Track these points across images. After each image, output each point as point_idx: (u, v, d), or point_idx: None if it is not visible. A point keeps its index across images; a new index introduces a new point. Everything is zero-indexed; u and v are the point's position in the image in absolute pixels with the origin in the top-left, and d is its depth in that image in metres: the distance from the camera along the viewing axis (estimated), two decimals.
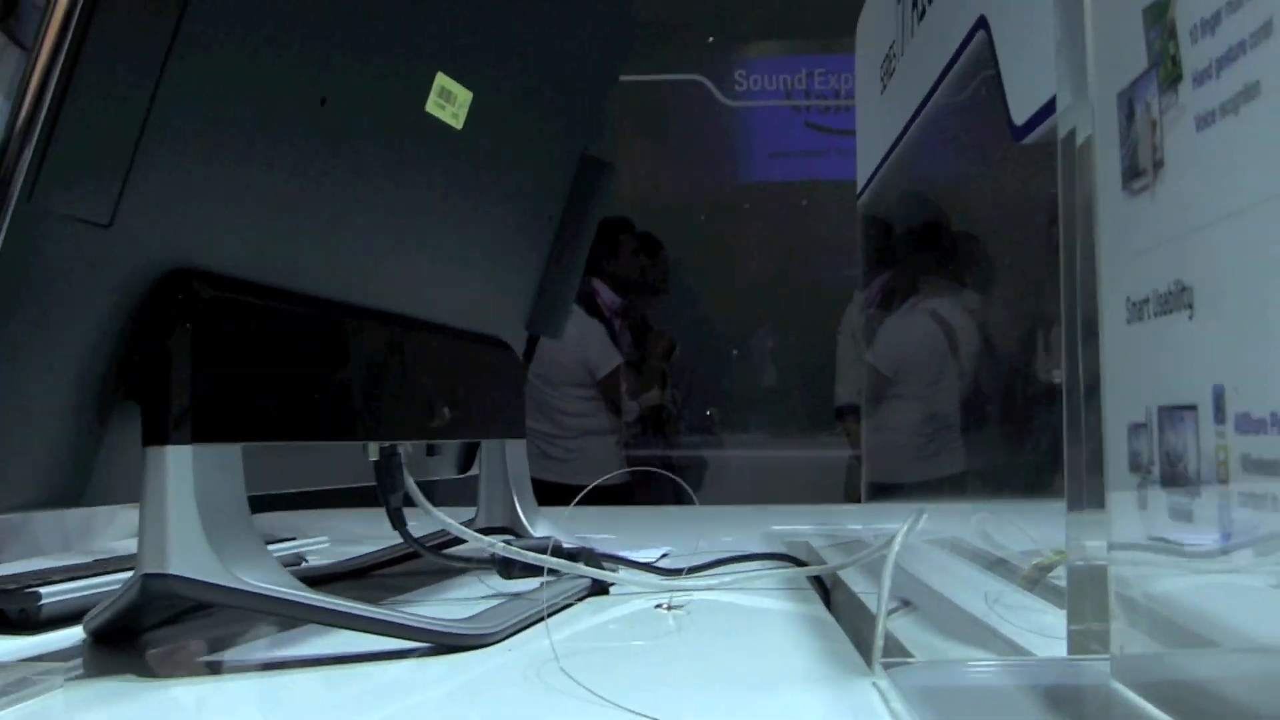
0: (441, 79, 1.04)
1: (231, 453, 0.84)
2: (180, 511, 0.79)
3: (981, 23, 0.98)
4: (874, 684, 0.74)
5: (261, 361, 0.88)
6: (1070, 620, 0.74)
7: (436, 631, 0.87)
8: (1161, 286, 0.61)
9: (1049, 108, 0.81)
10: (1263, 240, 0.50)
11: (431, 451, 1.18)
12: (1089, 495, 0.72)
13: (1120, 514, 0.66)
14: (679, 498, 3.80)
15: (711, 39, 7.66)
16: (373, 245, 1.05)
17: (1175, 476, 0.59)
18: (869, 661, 0.79)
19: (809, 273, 7.41)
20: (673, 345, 5.53)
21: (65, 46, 0.69)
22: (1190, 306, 0.57)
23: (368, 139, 0.98)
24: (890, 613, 0.92)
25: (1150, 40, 0.62)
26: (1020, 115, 0.89)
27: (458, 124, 1.08)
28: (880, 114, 1.51)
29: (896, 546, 0.91)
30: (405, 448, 1.07)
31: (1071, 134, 0.74)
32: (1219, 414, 0.54)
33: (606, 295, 5.29)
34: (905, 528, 0.95)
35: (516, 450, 1.35)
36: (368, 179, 1.00)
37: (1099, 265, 0.70)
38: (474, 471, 1.38)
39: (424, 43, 1.02)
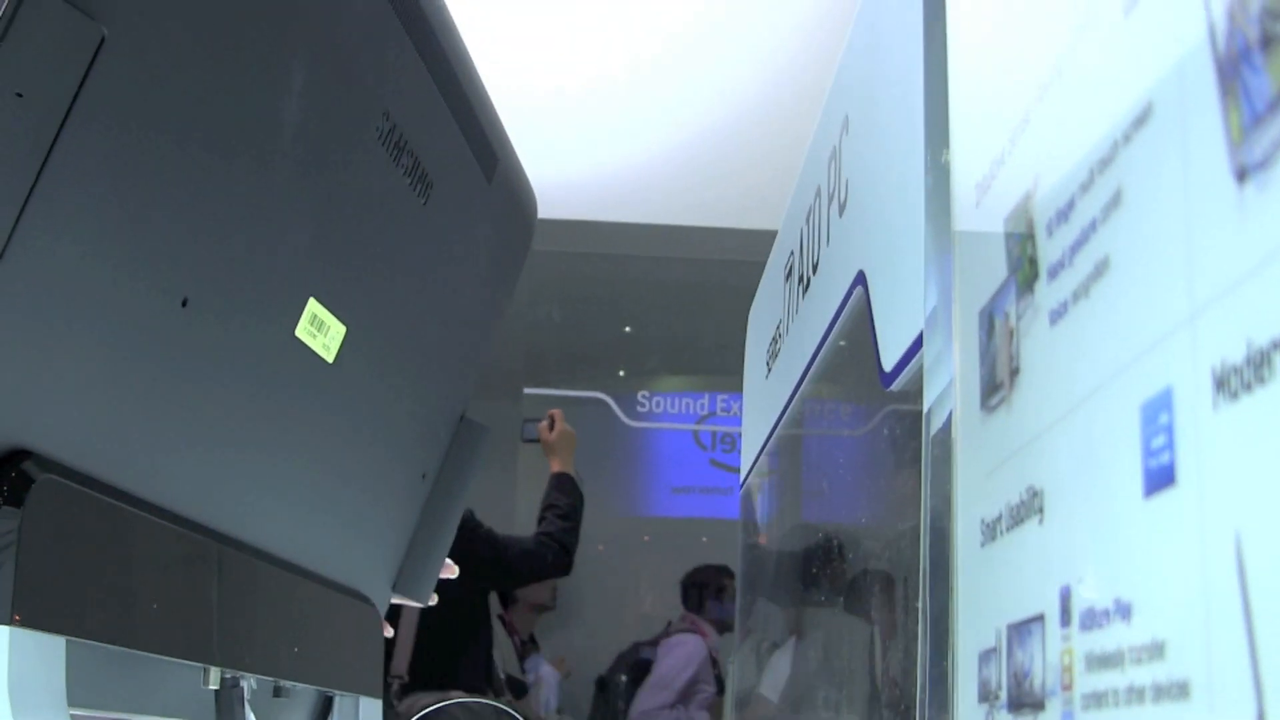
0: (314, 305, 1.03)
1: (54, 644, 0.80)
2: None
3: (859, 279, 0.98)
4: None
5: (96, 557, 0.84)
6: None
7: None
8: (1014, 498, 0.59)
9: (916, 346, 0.80)
10: (1102, 426, 0.49)
11: (278, 693, 1.13)
12: None
13: None
14: None
15: (622, 372, 7.76)
16: (231, 468, 1.02)
17: (1021, 695, 0.57)
18: None
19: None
20: None
21: None
22: (1041, 510, 0.56)
23: (231, 352, 0.96)
24: None
25: (1010, 249, 0.62)
26: (889, 360, 0.88)
27: (329, 356, 1.07)
28: (764, 395, 1.51)
29: None
30: (249, 682, 1.02)
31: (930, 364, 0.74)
32: (1065, 616, 0.52)
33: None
34: None
35: (371, 709, 1.31)
36: (230, 395, 0.98)
37: (954, 493, 0.69)
38: None
39: (297, 261, 1.01)
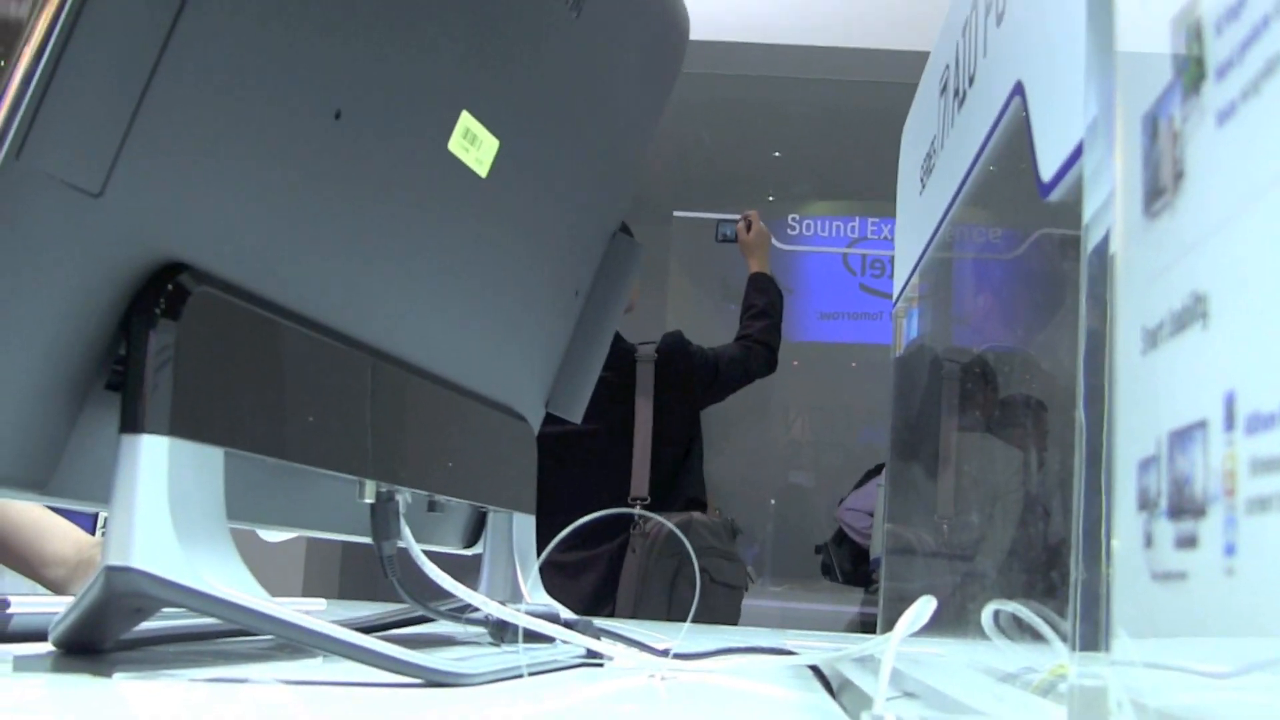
0: (466, 119, 1.02)
1: (212, 456, 0.81)
2: (150, 505, 0.76)
3: (1018, 89, 0.96)
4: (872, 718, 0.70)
5: (252, 369, 0.86)
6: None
7: (408, 663, 0.83)
8: (1177, 304, 0.58)
9: (1075, 154, 0.78)
10: (1271, 227, 0.48)
11: (433, 507, 1.15)
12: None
13: (1123, 607, 0.63)
14: None
15: (771, 197, 7.72)
16: (384, 280, 1.03)
17: (1182, 503, 0.56)
18: None
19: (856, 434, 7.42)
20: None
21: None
22: (1205, 315, 0.55)
23: (384, 165, 0.97)
24: (890, 699, 0.88)
25: (1176, 50, 0.60)
26: (1048, 170, 0.86)
27: (482, 171, 1.07)
28: (918, 213, 1.49)
29: (902, 629, 0.88)
30: (404, 497, 1.04)
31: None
32: (1229, 421, 0.51)
33: None
34: (914, 610, 0.92)
35: (524, 525, 1.32)
36: (383, 209, 0.98)
37: (1115, 299, 0.68)
38: (479, 550, 1.35)
39: (450, 75, 1.01)
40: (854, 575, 5.86)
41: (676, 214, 7.42)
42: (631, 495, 4.04)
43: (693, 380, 4.27)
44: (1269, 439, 0.47)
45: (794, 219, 7.58)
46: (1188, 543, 0.55)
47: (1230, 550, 0.50)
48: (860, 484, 5.95)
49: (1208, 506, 0.53)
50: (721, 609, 3.93)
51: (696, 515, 4.02)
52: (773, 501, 7.42)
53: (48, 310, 0.73)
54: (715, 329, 6.63)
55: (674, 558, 3.83)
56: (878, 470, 5.99)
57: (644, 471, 4.10)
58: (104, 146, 0.72)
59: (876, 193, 6.69)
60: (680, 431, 4.24)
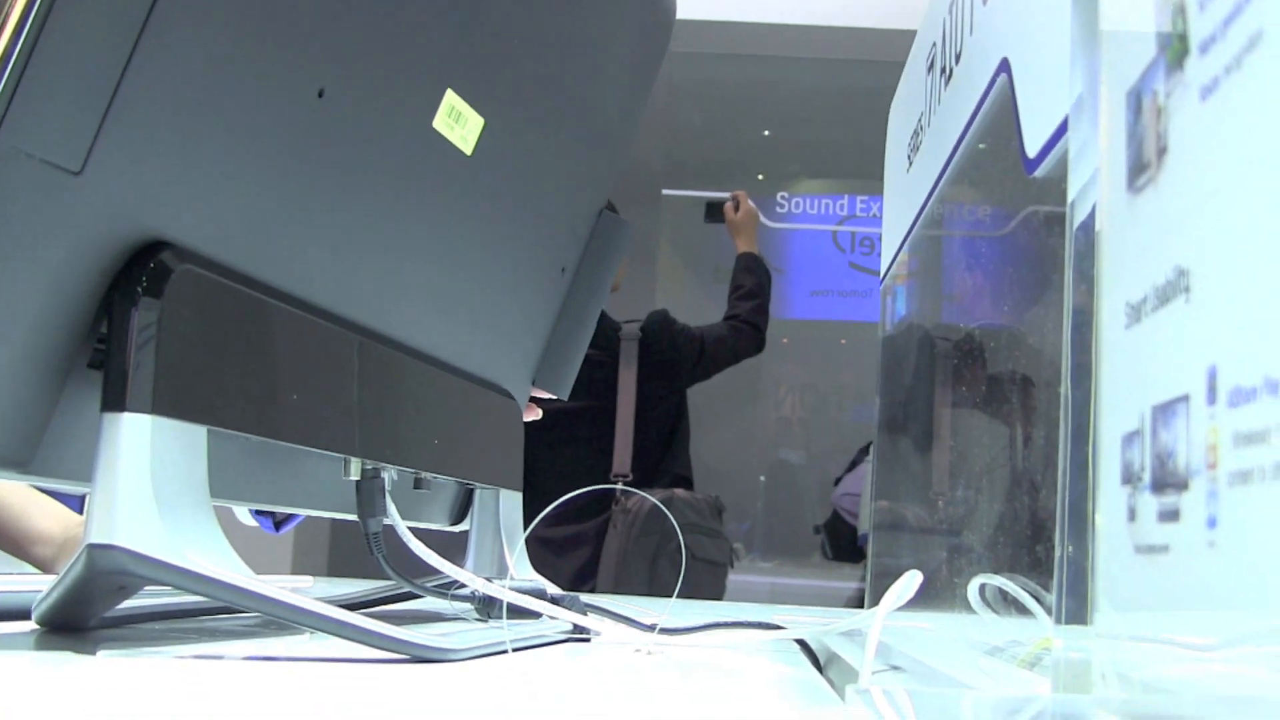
0: (451, 97, 1.02)
1: (195, 434, 0.81)
2: (133, 483, 0.76)
3: (1003, 66, 0.96)
4: (857, 691, 0.70)
5: (235, 347, 0.86)
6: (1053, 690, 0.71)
7: (393, 639, 0.83)
8: (1161, 279, 0.58)
9: (1061, 130, 0.78)
10: (1255, 201, 0.48)
11: (419, 484, 1.15)
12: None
13: (1108, 580, 0.63)
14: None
15: (761, 175, 7.71)
16: (370, 260, 1.02)
17: (1165, 476, 0.56)
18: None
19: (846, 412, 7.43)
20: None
21: None
22: (1187, 290, 0.55)
23: (368, 143, 0.96)
24: (876, 673, 0.88)
25: (1160, 26, 0.60)
26: (1033, 146, 0.86)
27: (467, 149, 1.06)
28: (905, 190, 1.49)
29: (888, 603, 0.88)
30: (390, 474, 1.04)
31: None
32: (1211, 395, 0.51)
33: None
34: (900, 585, 0.92)
35: (511, 501, 1.32)
36: (367, 187, 0.98)
37: (1100, 274, 0.68)
38: (466, 526, 1.35)
39: (435, 52, 1.00)
40: (850, 554, 5.87)
41: (665, 192, 7.42)
42: (614, 472, 4.05)
43: (678, 358, 4.28)
44: (1250, 412, 0.47)
45: (783, 197, 7.57)
46: (1170, 516, 0.55)
47: (1212, 523, 0.51)
48: (853, 466, 5.95)
49: (1190, 480, 0.53)
50: (705, 585, 3.94)
51: (679, 492, 4.04)
52: (762, 478, 7.42)
53: (28, 289, 0.73)
54: (704, 307, 6.63)
55: (655, 535, 3.85)
56: (868, 449, 5.99)
57: (626, 448, 4.11)
58: (83, 124, 0.71)
59: (866, 171, 6.69)
60: (664, 409, 4.26)
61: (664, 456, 4.24)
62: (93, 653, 0.78)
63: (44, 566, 1.67)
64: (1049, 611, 0.73)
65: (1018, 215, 1.00)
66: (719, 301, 4.76)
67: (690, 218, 6.60)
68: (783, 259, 7.55)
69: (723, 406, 7.04)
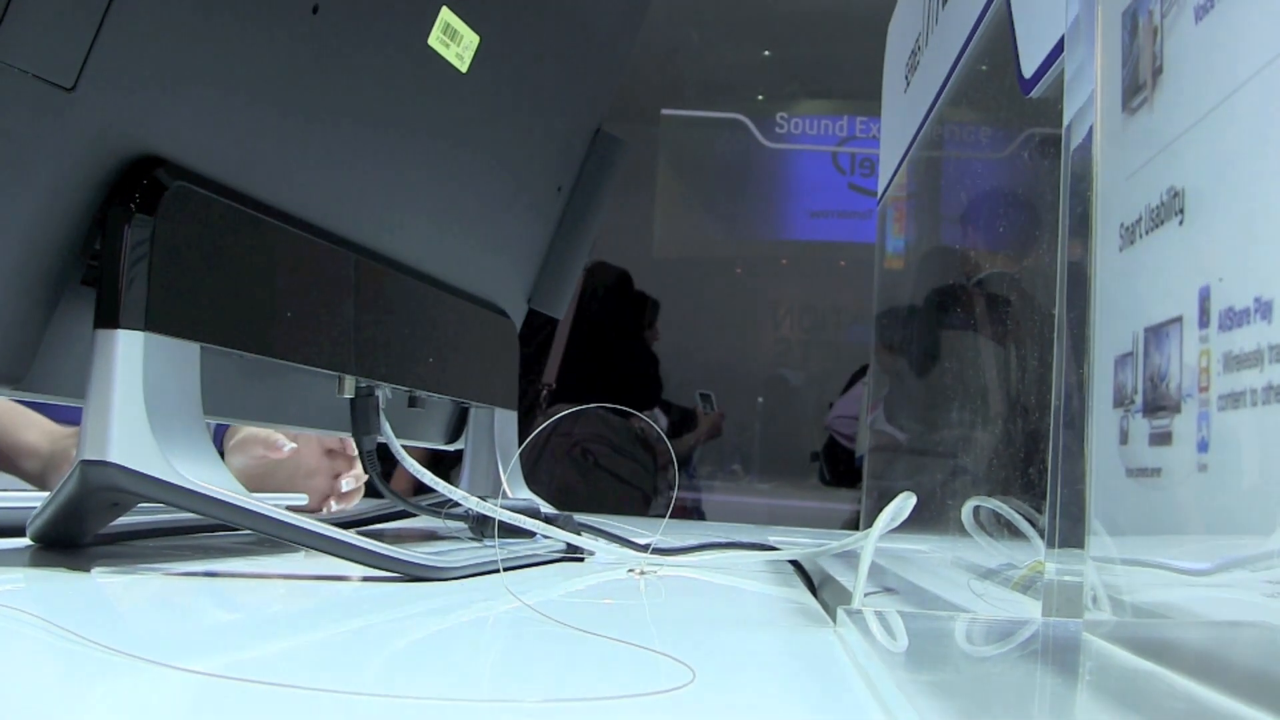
0: (446, 14, 1.01)
1: (188, 351, 0.81)
2: (126, 400, 0.76)
3: None
4: (849, 613, 0.70)
5: (229, 264, 0.85)
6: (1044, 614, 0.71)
7: (386, 556, 0.83)
8: (1154, 200, 0.58)
9: (1056, 50, 0.78)
10: (1248, 121, 0.48)
11: (414, 403, 1.15)
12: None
13: (1100, 504, 0.63)
14: None
15: (760, 96, 7.68)
16: (365, 178, 1.02)
17: (1157, 399, 0.56)
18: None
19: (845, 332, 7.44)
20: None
21: None
22: (1181, 211, 0.55)
23: (363, 59, 0.95)
24: (868, 595, 0.88)
25: None
26: (1029, 67, 0.86)
27: (462, 66, 1.06)
28: (903, 110, 1.48)
29: (881, 525, 0.88)
30: (384, 392, 1.04)
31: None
32: (1203, 317, 0.51)
33: None
34: (893, 507, 0.92)
35: (506, 421, 1.32)
36: (361, 104, 0.97)
37: (1096, 195, 0.67)
38: (461, 445, 1.35)
39: None
40: (849, 479, 5.89)
41: (665, 111, 7.39)
42: (542, 380, 4.18)
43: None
44: (1242, 335, 0.47)
45: (783, 118, 7.54)
46: (1162, 439, 0.55)
47: (1203, 446, 0.50)
48: (847, 388, 5.96)
49: (1182, 402, 0.53)
50: (610, 498, 4.07)
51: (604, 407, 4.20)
52: (761, 399, 7.43)
53: (22, 205, 0.73)
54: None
55: (567, 438, 3.98)
56: (863, 372, 6.00)
57: (555, 362, 4.27)
58: (76, 40, 0.71)
59: (866, 92, 6.65)
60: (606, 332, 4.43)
61: (606, 376, 4.41)
62: (88, 570, 0.79)
63: (32, 480, 1.68)
64: (1042, 535, 0.73)
65: (1015, 136, 0.99)
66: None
67: (690, 137, 6.59)
68: (782, 179, 7.53)
69: (722, 326, 7.05)
